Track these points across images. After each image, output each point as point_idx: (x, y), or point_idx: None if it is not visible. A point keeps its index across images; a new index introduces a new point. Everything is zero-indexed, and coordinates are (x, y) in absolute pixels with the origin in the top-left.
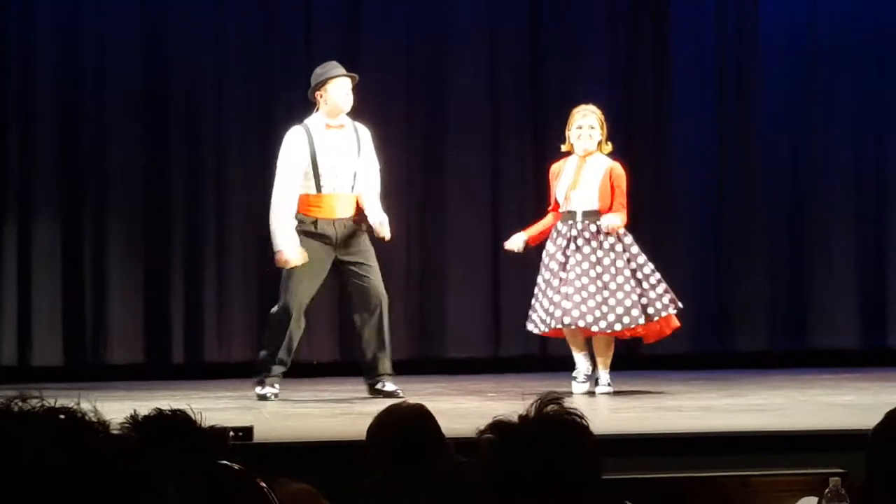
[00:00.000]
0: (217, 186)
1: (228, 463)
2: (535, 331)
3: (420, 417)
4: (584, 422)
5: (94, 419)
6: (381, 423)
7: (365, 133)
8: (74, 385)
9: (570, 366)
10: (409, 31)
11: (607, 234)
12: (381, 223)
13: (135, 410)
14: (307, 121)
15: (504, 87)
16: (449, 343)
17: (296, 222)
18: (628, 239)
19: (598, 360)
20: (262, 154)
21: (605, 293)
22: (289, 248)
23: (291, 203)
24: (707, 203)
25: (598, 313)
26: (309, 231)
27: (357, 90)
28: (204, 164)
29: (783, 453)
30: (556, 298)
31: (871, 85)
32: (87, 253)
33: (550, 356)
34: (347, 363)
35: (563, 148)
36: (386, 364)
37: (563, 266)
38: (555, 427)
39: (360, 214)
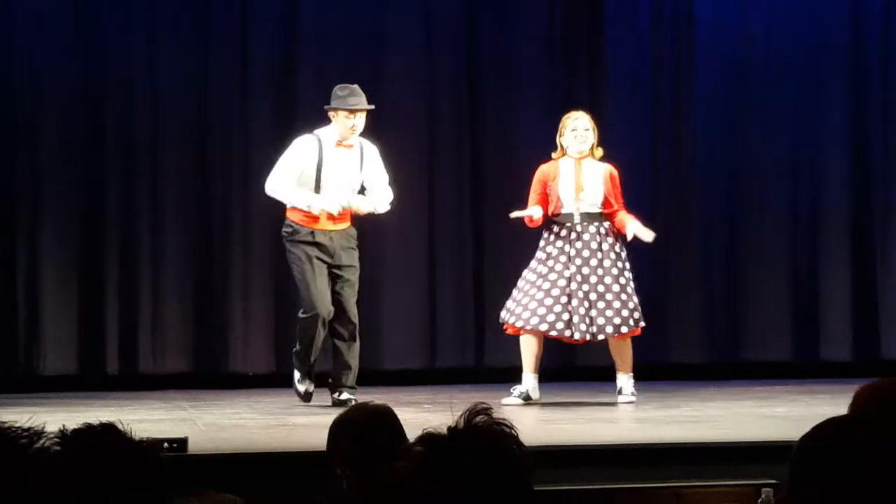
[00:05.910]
0: (152, 197)
1: None
2: (577, 336)
3: (382, 416)
4: (513, 431)
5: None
6: (343, 420)
7: (370, 150)
8: (6, 396)
9: (510, 377)
10: (347, 37)
11: (606, 236)
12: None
13: (63, 426)
14: (319, 132)
15: (441, 107)
16: (385, 355)
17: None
18: (619, 244)
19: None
20: (196, 163)
21: (609, 296)
22: (317, 201)
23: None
24: (642, 215)
25: (613, 317)
26: (307, 241)
27: (293, 101)
28: (139, 175)
29: (717, 464)
30: (597, 307)
31: (805, 89)
32: (21, 263)
33: (486, 367)
34: (283, 375)
35: (554, 156)
36: (347, 379)
37: (567, 269)
38: (484, 437)
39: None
